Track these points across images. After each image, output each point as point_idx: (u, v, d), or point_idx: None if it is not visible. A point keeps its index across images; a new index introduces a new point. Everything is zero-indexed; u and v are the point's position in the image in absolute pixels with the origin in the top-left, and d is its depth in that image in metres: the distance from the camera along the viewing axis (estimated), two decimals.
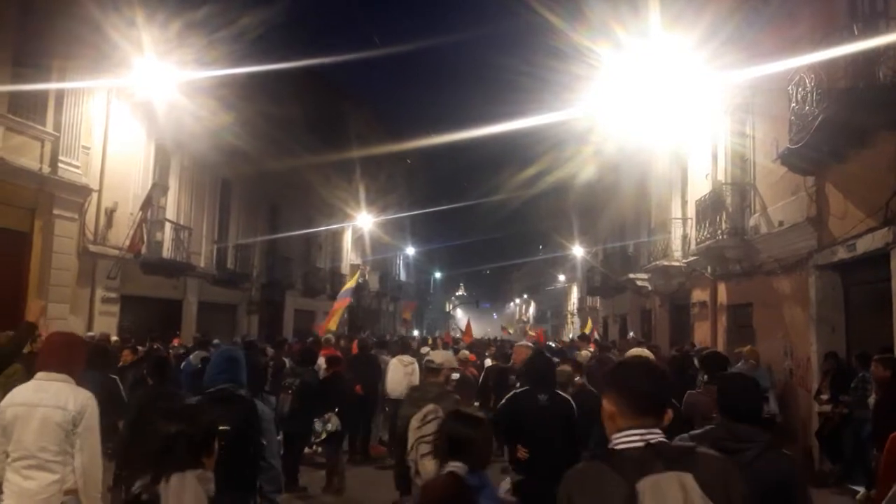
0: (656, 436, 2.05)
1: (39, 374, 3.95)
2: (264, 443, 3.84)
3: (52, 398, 3.82)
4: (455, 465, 2.82)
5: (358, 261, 36.65)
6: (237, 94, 19.05)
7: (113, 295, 15.87)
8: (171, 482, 2.46)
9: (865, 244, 9.06)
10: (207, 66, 16.48)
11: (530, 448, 4.93)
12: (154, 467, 2.54)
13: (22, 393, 3.90)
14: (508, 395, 5.45)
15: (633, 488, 1.90)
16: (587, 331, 22.46)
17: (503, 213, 62.17)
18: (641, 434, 2.05)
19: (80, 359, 4.21)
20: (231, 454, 3.38)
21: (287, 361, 10.86)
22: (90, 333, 13.13)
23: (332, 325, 14.97)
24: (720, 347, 14.11)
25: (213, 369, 4.03)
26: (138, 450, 5.03)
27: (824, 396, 9.19)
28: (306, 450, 9.00)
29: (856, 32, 8.73)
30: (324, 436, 8.04)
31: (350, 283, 15.21)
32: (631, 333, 20.57)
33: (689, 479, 1.90)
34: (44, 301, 7.55)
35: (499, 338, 28.54)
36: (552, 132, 24.22)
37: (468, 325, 23.64)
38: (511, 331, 22.99)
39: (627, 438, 2.06)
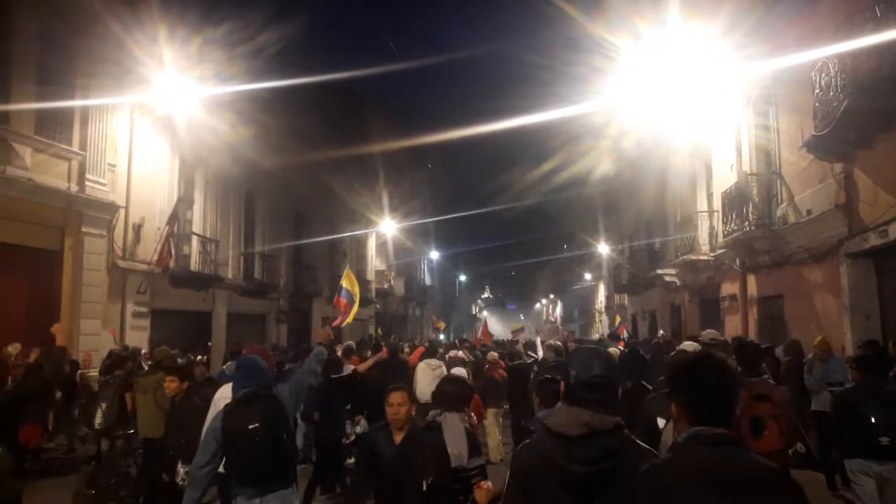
0: None
1: None
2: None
3: None
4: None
5: (382, 267, 36.80)
6: (258, 107, 19.24)
7: (143, 309, 16.08)
8: (447, 417, 4.20)
9: None
10: (228, 80, 16.68)
11: None
12: (438, 406, 4.37)
13: (228, 389, 5.03)
14: None
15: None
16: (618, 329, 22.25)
17: (526, 213, 62.01)
18: None
19: (268, 364, 5.45)
20: (262, 447, 4.14)
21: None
22: (115, 346, 13.34)
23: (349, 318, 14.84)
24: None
25: (239, 376, 4.56)
26: (172, 447, 6.00)
27: None
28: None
29: (878, 15, 8.58)
30: (353, 437, 8.08)
31: (346, 284, 14.72)
32: (661, 332, 20.37)
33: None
34: (65, 324, 7.98)
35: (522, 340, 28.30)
36: (572, 127, 24.08)
37: (485, 326, 23.46)
38: (516, 326, 23.02)
39: None
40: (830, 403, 6.23)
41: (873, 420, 5.39)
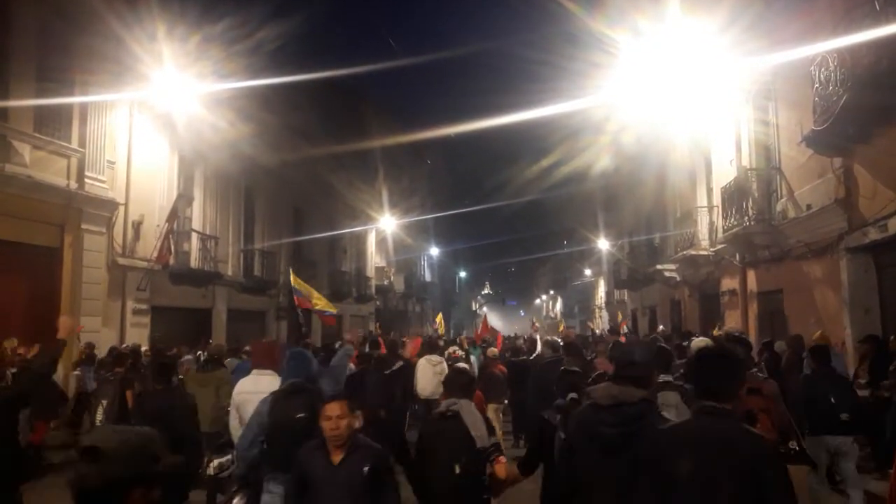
0: None
1: (254, 371, 5.61)
2: None
3: (264, 387, 5.08)
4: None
5: (382, 263, 36.80)
6: (257, 104, 19.24)
7: (143, 306, 16.08)
8: (462, 402, 4.33)
9: None
10: (227, 77, 16.67)
11: None
12: (451, 395, 4.48)
13: (245, 384, 5.53)
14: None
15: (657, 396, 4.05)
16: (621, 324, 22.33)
17: (526, 208, 61.88)
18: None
19: (279, 358, 5.56)
20: (305, 438, 4.19)
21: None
22: (124, 345, 13.35)
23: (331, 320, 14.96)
24: (752, 335, 13.94)
25: (286, 370, 4.86)
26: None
27: (862, 381, 9.01)
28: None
29: (878, 9, 8.57)
30: None
31: (298, 286, 14.93)
32: (661, 327, 20.40)
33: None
34: (73, 319, 7.95)
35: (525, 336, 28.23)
36: (572, 123, 24.07)
37: (484, 322, 23.40)
38: (538, 325, 22.90)
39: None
40: (798, 387, 7.17)
41: (833, 400, 6.43)
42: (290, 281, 15.09)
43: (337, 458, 3.73)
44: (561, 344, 9.61)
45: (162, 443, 2.36)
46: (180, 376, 9.84)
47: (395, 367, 9.19)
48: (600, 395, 3.25)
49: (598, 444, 3.12)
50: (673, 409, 4.43)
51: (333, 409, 3.78)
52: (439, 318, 25.86)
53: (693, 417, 2.78)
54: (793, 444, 5.98)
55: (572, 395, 4.70)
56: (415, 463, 4.36)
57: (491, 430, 4.42)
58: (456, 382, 4.71)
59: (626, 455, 2.87)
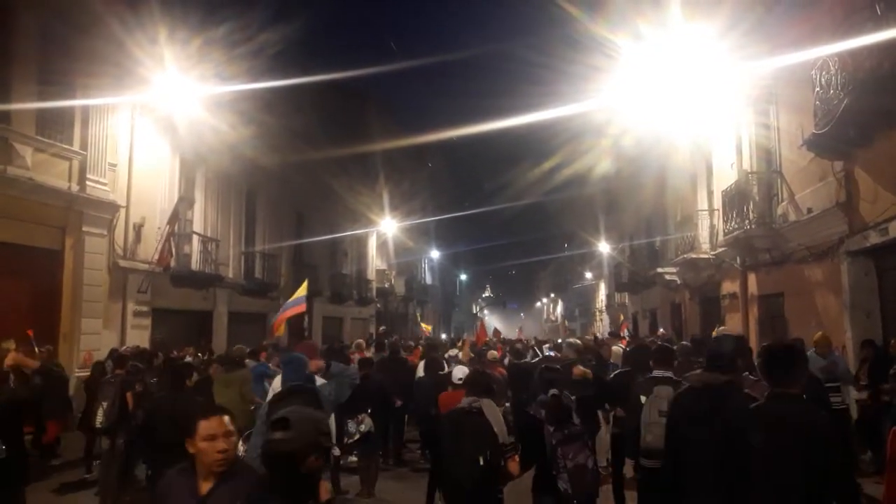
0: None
1: None
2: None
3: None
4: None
5: (383, 266, 36.80)
6: (258, 106, 19.25)
7: (144, 308, 16.09)
8: (484, 400, 4.82)
9: None
10: (229, 80, 16.69)
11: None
12: (473, 394, 4.90)
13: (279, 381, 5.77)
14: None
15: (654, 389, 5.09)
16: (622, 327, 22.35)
17: (527, 211, 61.98)
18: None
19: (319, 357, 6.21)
20: None
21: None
22: (125, 347, 13.34)
23: (280, 331, 14.82)
24: (752, 338, 13.96)
25: (289, 371, 5.33)
26: (150, 450, 5.89)
27: (862, 384, 9.02)
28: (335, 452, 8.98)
29: (878, 13, 8.59)
30: (357, 436, 7.97)
31: (300, 292, 14.98)
32: (661, 330, 20.41)
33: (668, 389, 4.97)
34: (10, 345, 8.23)
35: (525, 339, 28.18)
36: (573, 126, 24.12)
37: (482, 326, 23.38)
38: (523, 332, 23.06)
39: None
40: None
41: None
42: (296, 287, 15.07)
43: (205, 487, 2.92)
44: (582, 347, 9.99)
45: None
46: (195, 377, 9.90)
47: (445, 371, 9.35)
48: (694, 380, 4.14)
49: (693, 417, 3.91)
50: (665, 401, 5.02)
51: (219, 424, 2.97)
52: (419, 320, 25.72)
53: (768, 400, 3.41)
54: None
55: (553, 391, 5.26)
56: (439, 454, 4.74)
57: (510, 429, 4.79)
58: (478, 382, 5.11)
59: (714, 424, 3.61)
